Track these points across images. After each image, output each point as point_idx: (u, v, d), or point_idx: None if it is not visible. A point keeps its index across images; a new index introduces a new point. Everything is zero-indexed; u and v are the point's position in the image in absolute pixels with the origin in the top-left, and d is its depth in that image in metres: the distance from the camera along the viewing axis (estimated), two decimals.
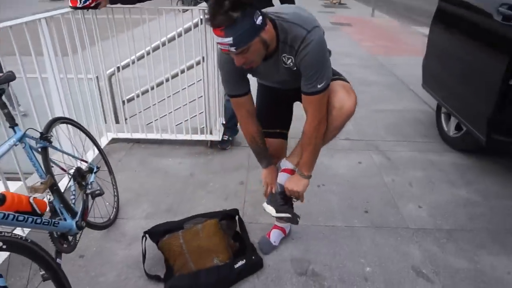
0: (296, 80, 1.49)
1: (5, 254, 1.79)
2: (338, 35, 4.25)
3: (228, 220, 1.98)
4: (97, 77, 2.90)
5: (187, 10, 3.02)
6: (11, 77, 1.61)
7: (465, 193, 2.52)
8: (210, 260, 1.73)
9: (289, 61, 1.44)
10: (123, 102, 3.09)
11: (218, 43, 1.30)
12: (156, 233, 1.84)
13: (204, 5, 2.61)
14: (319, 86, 1.40)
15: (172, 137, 2.98)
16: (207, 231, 1.80)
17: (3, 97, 1.57)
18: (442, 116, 3.30)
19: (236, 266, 1.75)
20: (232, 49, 1.27)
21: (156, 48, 2.68)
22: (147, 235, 1.86)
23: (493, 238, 2.11)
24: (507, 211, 2.34)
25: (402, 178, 2.68)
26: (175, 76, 2.89)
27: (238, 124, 2.21)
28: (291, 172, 1.71)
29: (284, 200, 1.72)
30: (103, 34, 2.67)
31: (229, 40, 1.24)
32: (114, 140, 3.00)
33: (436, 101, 3.38)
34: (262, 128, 1.72)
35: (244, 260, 1.78)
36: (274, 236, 1.99)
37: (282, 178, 1.72)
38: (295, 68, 1.46)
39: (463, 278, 1.84)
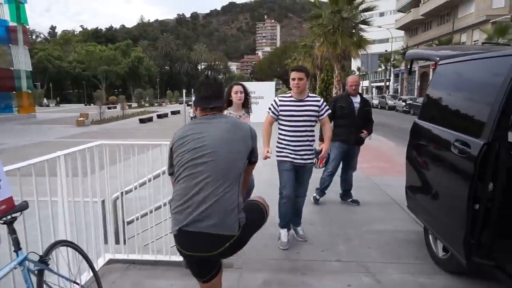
0: None
1: None
2: None
3: None
4: (103, 200, 3.18)
5: None
6: (24, 207, 1.88)
7: None
8: None
9: None
10: (125, 223, 3.29)
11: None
12: None
13: None
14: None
15: (167, 258, 3.09)
16: None
17: (13, 224, 1.81)
18: (430, 237, 3.38)
19: None
20: None
21: (156, 176, 3.01)
22: None
23: None
24: None
25: None
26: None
27: None
28: None
29: None
30: (111, 158, 3.04)
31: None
32: (111, 261, 3.11)
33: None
34: None
35: None
36: None
37: None
38: None
39: None
